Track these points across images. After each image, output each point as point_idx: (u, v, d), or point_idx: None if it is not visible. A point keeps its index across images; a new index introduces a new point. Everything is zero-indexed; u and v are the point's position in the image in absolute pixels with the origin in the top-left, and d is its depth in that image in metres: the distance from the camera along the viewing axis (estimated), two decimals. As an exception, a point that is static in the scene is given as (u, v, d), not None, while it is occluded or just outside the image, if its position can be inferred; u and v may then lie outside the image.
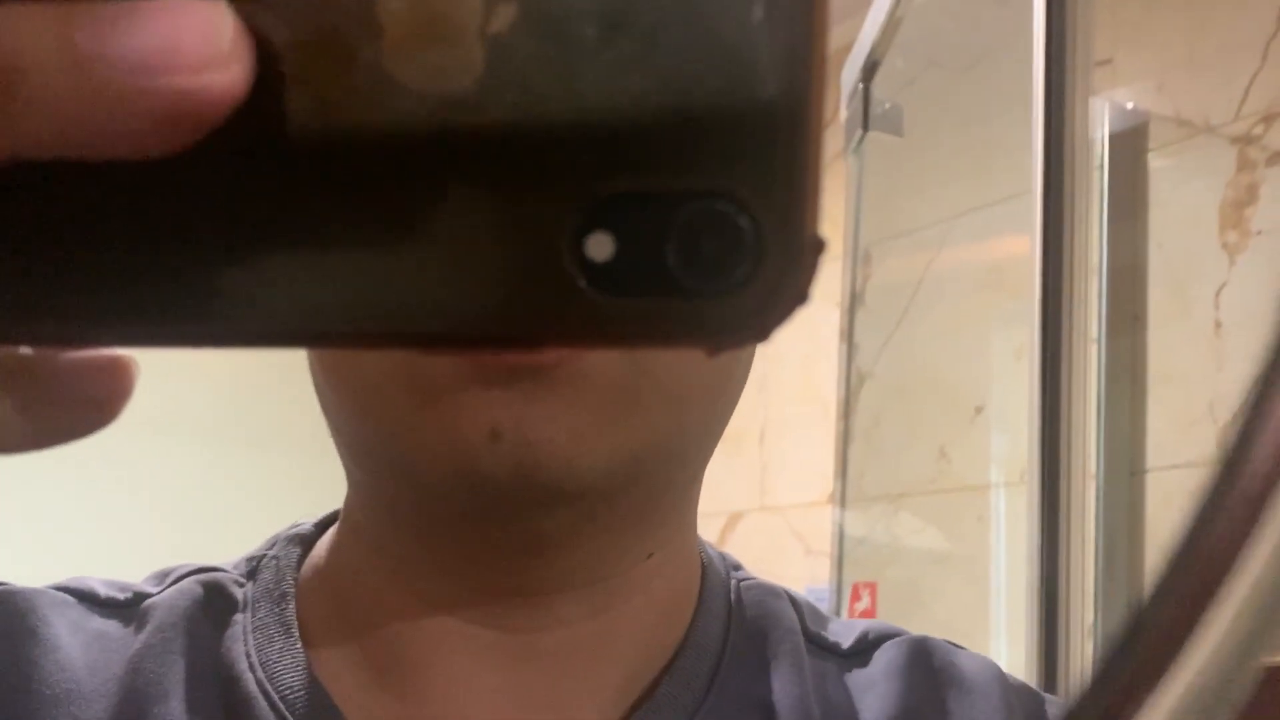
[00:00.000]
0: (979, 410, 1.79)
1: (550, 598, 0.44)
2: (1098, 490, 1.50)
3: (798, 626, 0.49)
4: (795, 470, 2.13)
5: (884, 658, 0.49)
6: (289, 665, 0.45)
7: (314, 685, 0.45)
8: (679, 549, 0.48)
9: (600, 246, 0.20)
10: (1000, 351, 1.77)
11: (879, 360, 1.96)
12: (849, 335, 1.97)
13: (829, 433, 2.04)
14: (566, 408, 0.40)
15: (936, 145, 1.85)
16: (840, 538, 1.96)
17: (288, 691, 0.44)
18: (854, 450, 1.97)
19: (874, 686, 0.48)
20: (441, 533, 0.44)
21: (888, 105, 1.75)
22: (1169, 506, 1.47)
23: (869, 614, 1.94)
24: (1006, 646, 1.66)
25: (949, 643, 0.52)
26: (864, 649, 0.50)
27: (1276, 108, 1.43)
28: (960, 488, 1.81)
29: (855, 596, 1.97)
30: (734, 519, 2.34)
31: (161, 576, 0.50)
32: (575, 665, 0.45)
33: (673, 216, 0.20)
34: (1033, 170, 1.54)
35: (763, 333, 0.20)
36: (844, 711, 0.48)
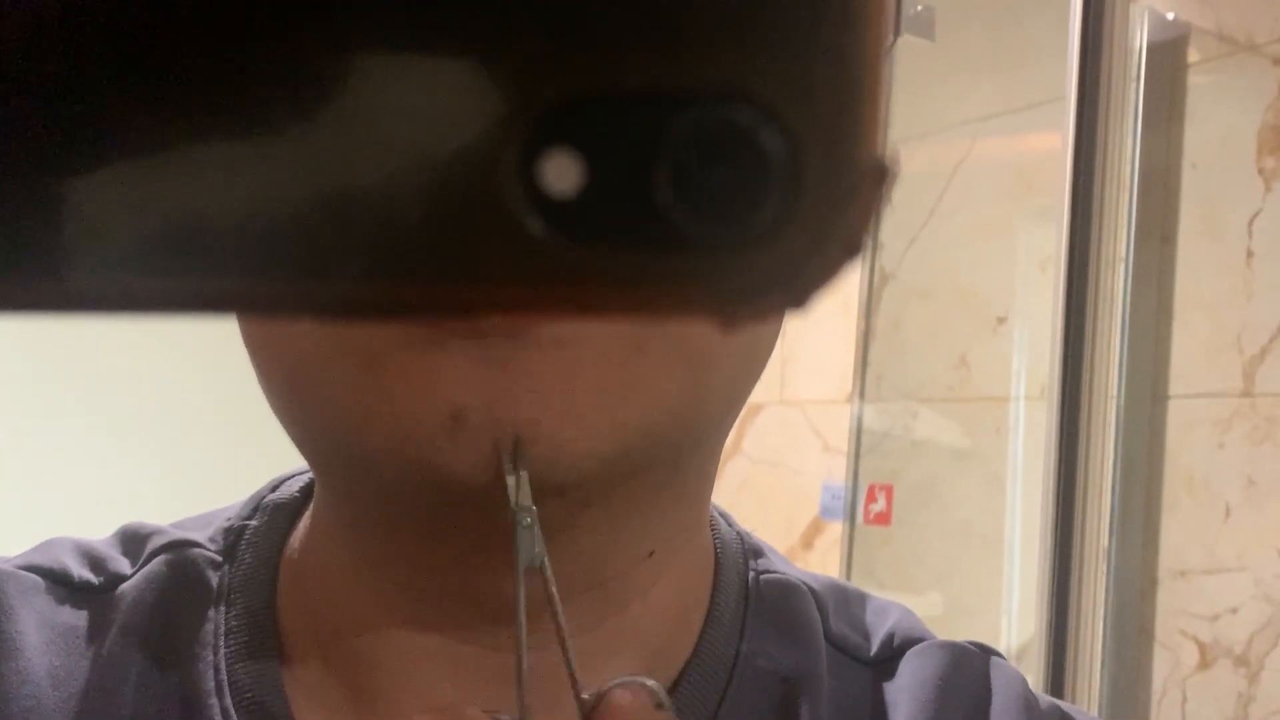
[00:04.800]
0: (1002, 320, 1.76)
1: (538, 610, 0.37)
2: (1118, 413, 1.48)
3: (820, 630, 0.44)
4: (815, 366, 2.12)
5: (909, 671, 0.44)
6: (262, 693, 0.40)
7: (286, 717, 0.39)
8: (687, 542, 0.42)
9: (561, 173, 0.14)
10: (1025, 263, 1.74)
11: (903, 261, 1.93)
12: (873, 233, 1.93)
13: (850, 331, 2.02)
14: (554, 377, 0.31)
15: (967, 49, 1.79)
16: (858, 436, 1.96)
17: None
18: (874, 351, 1.96)
19: (897, 707, 0.43)
20: (408, 534, 0.38)
21: (919, 8, 1.68)
22: (1190, 435, 1.46)
23: (884, 517, 1.96)
24: (1020, 561, 1.67)
25: (981, 650, 0.46)
26: (889, 657, 0.45)
27: (1324, 25, 1.37)
28: (979, 397, 1.79)
29: (871, 498, 1.98)
30: (753, 410, 2.34)
31: (137, 545, 0.44)
32: (562, 691, 0.39)
33: (666, 129, 0.14)
34: (1068, 74, 1.49)
35: (798, 297, 0.14)
36: None
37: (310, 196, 0.14)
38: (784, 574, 0.45)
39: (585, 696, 0.33)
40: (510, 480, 0.32)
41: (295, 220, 0.14)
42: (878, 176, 0.14)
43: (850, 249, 0.14)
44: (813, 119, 0.14)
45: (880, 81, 0.14)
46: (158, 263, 0.14)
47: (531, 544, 0.32)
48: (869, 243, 0.14)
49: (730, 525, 0.46)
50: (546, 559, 0.33)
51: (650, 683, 0.32)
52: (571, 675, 0.34)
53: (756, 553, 0.45)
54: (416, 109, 0.14)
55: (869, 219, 0.14)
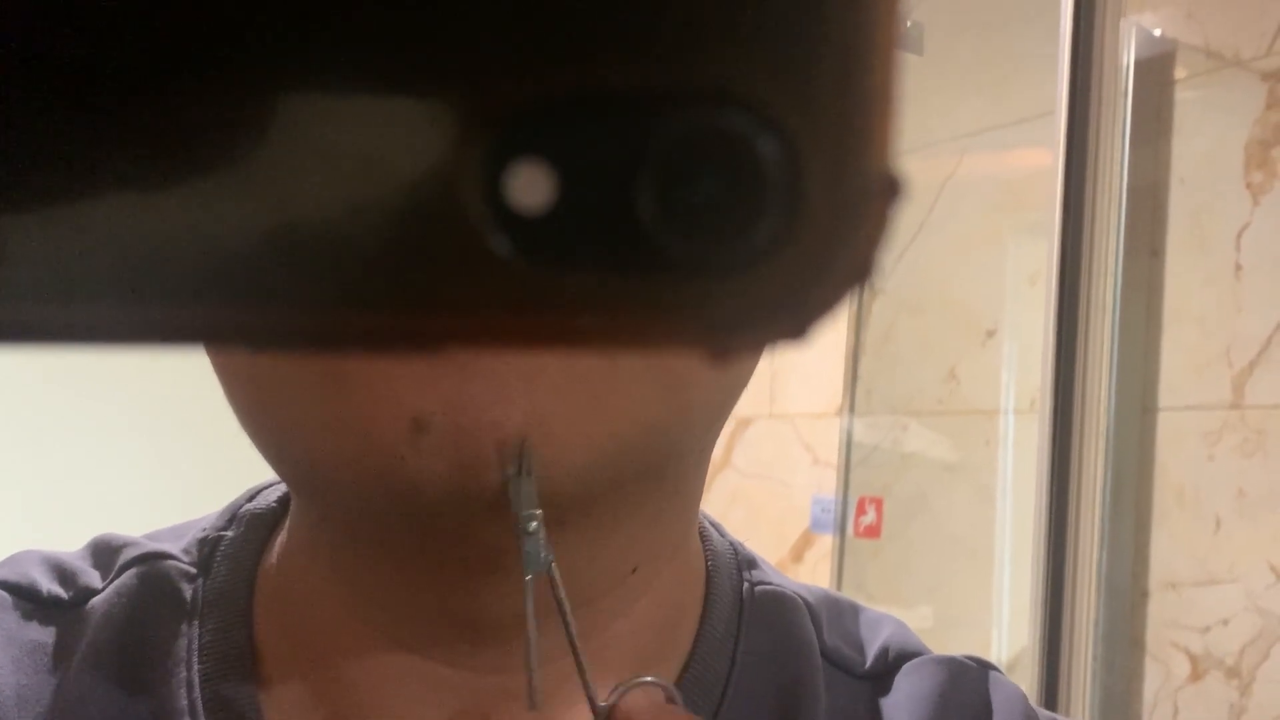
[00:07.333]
0: (991, 334, 1.77)
1: (520, 630, 0.36)
2: (1108, 425, 1.49)
3: (816, 645, 0.43)
4: (805, 379, 2.12)
5: (905, 685, 0.43)
6: (237, 713, 0.38)
7: None
8: (673, 557, 0.40)
9: (530, 187, 0.12)
10: (1015, 276, 1.75)
11: (892, 275, 1.94)
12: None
13: (840, 344, 2.03)
14: (521, 383, 0.30)
15: (956, 64, 1.80)
16: (848, 449, 1.97)
17: None
18: (864, 365, 1.97)
19: None
20: (381, 550, 0.36)
21: (908, 23, 1.70)
22: (1180, 447, 1.47)
23: (874, 529, 1.96)
24: (1010, 573, 1.68)
25: (979, 664, 0.45)
26: (883, 671, 0.44)
27: (1310, 40, 1.39)
28: (968, 410, 1.80)
29: (861, 510, 1.98)
30: (743, 423, 2.34)
31: (108, 558, 0.43)
32: (553, 709, 0.38)
33: (648, 137, 0.12)
34: (1058, 89, 1.51)
35: (798, 328, 0.13)
36: None
37: (259, 220, 0.12)
38: (778, 586, 0.44)
39: (601, 704, 0.32)
40: (512, 484, 0.31)
41: (243, 249, 0.12)
42: (888, 190, 0.12)
43: (859, 272, 0.13)
44: (815, 124, 0.12)
45: (892, 81, 0.12)
46: (107, 294, 0.13)
47: (537, 551, 0.31)
48: (879, 265, 0.12)
49: (723, 535, 0.45)
50: (555, 566, 0.32)
51: (658, 680, 0.31)
52: (585, 684, 0.33)
53: (750, 564, 0.44)
54: (371, 119, 0.12)
55: (879, 238, 0.13)
